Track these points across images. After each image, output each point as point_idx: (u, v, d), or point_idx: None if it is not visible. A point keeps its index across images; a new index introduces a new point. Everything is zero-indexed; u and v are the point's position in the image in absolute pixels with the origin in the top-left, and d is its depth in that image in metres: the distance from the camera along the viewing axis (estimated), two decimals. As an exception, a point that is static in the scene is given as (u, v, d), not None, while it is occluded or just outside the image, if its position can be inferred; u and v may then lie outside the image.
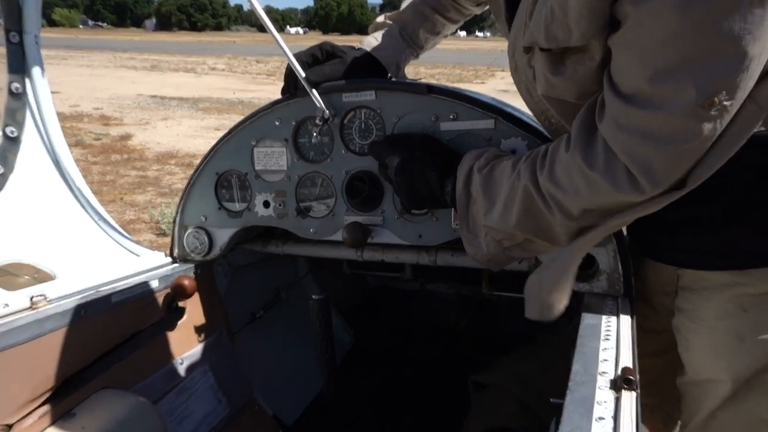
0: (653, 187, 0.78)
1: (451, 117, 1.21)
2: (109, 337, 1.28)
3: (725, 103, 0.70)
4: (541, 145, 0.95)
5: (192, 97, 14.50)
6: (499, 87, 14.90)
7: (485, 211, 1.01)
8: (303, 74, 1.24)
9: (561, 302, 0.95)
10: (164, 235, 4.89)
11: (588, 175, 0.82)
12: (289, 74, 1.30)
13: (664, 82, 0.71)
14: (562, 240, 0.95)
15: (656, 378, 1.20)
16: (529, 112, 1.31)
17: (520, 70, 0.99)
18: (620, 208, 0.84)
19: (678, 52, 0.69)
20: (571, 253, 0.94)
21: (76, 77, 17.41)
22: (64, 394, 1.16)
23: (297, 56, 1.26)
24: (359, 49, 1.37)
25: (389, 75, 1.39)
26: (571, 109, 0.89)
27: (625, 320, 1.00)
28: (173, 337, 1.45)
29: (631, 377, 0.75)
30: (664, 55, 0.70)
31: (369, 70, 1.34)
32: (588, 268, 1.16)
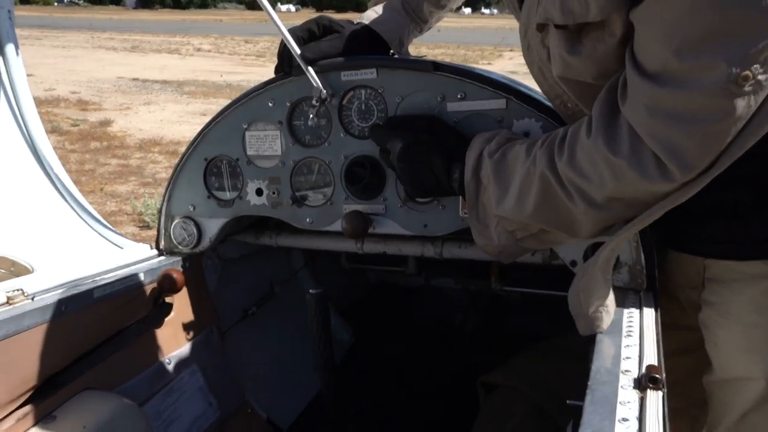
0: (683, 173, 0.77)
1: (459, 97, 1.21)
2: (91, 335, 1.28)
3: (760, 77, 0.69)
4: (558, 128, 0.94)
5: (176, 80, 14.44)
6: (507, 68, 14.84)
7: (497, 200, 1.00)
8: (298, 51, 1.23)
9: (605, 312, 0.95)
10: (148, 227, 4.88)
11: (612, 162, 0.81)
12: (283, 51, 1.29)
13: (691, 58, 0.70)
14: (583, 230, 0.94)
15: (681, 378, 1.20)
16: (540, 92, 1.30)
17: (533, 49, 0.98)
18: (649, 198, 0.83)
19: (706, 23, 0.68)
20: (600, 259, 0.94)
21: (51, 59, 17.33)
22: (44, 396, 1.16)
23: (291, 32, 1.25)
24: (358, 23, 1.36)
25: (391, 52, 1.38)
26: (590, 91, 0.88)
27: (649, 315, 1.00)
28: (160, 334, 1.45)
29: (656, 375, 0.74)
30: (691, 27, 0.69)
31: (369, 46, 1.33)
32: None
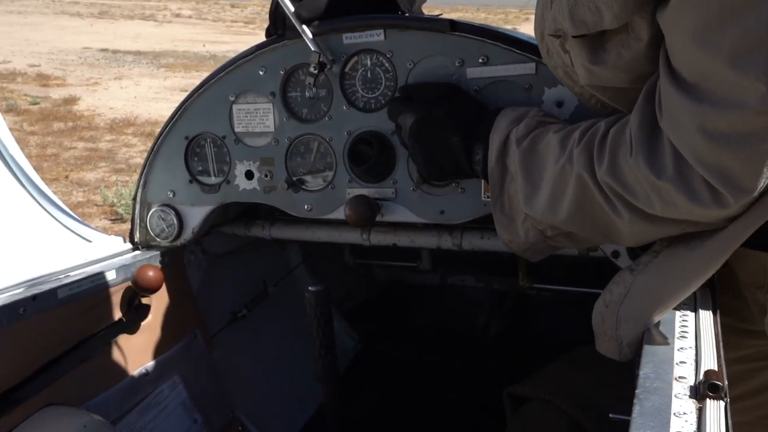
0: (735, 197, 0.75)
1: (481, 61, 1.19)
2: (55, 342, 1.28)
3: None
4: (600, 120, 0.93)
5: (152, 50, 14.49)
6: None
7: (526, 196, 1.00)
8: (292, 9, 1.22)
9: (634, 351, 0.95)
10: (122, 220, 4.92)
11: (657, 185, 0.79)
12: (275, 10, 1.28)
13: (729, 69, 0.68)
14: (626, 240, 0.94)
15: (750, 389, 1.19)
16: None
17: (553, 54, 0.97)
18: (708, 220, 0.82)
19: (745, 27, 0.66)
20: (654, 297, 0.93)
21: (5, 27, 17.42)
22: (1, 412, 1.16)
23: None
24: None
25: (400, 10, 1.37)
26: (624, 95, 0.88)
27: (706, 314, 0.99)
28: (135, 341, 1.45)
29: (717, 382, 0.73)
30: (729, 33, 0.67)
31: (375, 3, 1.32)
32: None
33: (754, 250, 1.09)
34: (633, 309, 0.97)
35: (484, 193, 1.24)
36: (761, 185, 0.75)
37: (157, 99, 9.66)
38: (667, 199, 0.80)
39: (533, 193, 0.99)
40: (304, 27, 1.24)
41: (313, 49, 1.25)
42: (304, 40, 1.25)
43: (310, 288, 1.39)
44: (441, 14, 1.48)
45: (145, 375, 1.46)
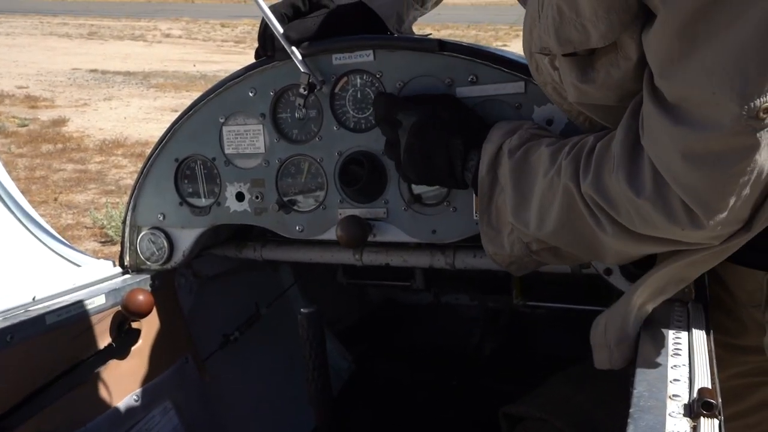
0: (707, 217, 0.76)
1: (470, 80, 1.20)
2: (43, 369, 1.27)
3: None
4: (589, 135, 0.94)
5: (141, 71, 14.51)
6: (525, 49, 14.85)
7: (514, 207, 1.00)
8: (281, 30, 1.23)
9: (626, 353, 0.98)
10: (112, 243, 4.89)
11: (636, 203, 0.80)
12: (264, 32, 1.29)
13: (705, 90, 0.69)
14: (609, 257, 0.95)
15: (745, 407, 1.19)
16: None
17: (543, 71, 0.98)
18: (687, 240, 0.83)
19: (719, 48, 0.67)
20: (630, 303, 0.95)
21: (-6, 49, 17.42)
22: (-11, 441, 1.15)
23: (273, 9, 1.25)
24: None
25: (389, 30, 1.38)
26: (614, 113, 0.88)
27: (699, 330, 0.99)
28: (125, 367, 1.44)
29: (711, 400, 0.74)
30: (704, 55, 0.68)
31: (363, 23, 1.33)
32: (648, 266, 1.15)
33: (753, 268, 1.10)
34: (618, 307, 0.99)
35: (476, 212, 1.24)
36: (730, 206, 0.75)
37: (147, 119, 9.66)
38: (646, 217, 0.81)
39: (522, 204, 0.99)
40: (294, 48, 1.25)
41: (302, 70, 1.26)
42: (293, 61, 1.26)
43: (302, 310, 1.38)
44: (430, 33, 1.49)
45: (136, 401, 1.45)
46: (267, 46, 1.31)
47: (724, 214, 0.76)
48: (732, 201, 0.75)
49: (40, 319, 1.26)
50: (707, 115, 0.70)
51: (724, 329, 1.15)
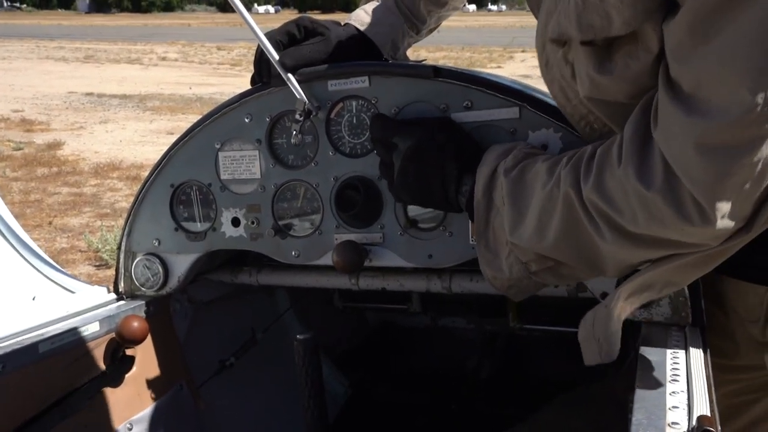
0: (715, 212, 0.76)
1: (465, 105, 1.21)
2: (36, 398, 1.26)
3: None
4: (586, 145, 0.95)
5: (137, 94, 14.57)
6: (519, 71, 15.01)
7: (512, 225, 1.00)
8: (277, 57, 1.24)
9: (614, 346, 0.97)
10: (107, 266, 4.87)
11: (645, 197, 0.80)
12: (260, 58, 1.30)
13: (719, 78, 0.70)
14: (609, 268, 0.95)
15: (742, 427, 1.19)
16: None
17: (552, 66, 0.98)
18: (687, 241, 0.83)
19: (734, 35, 0.67)
20: (616, 298, 0.94)
21: (-9, 73, 17.50)
22: (-19, 473, 1.14)
23: (269, 36, 1.26)
24: (346, 24, 1.37)
25: (384, 57, 1.39)
26: (622, 111, 0.89)
27: (697, 355, 0.99)
28: (119, 395, 1.42)
29: (711, 429, 0.73)
30: (719, 42, 0.69)
31: (359, 50, 1.34)
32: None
33: (754, 283, 1.11)
34: (605, 303, 0.99)
35: (471, 237, 1.24)
36: (737, 198, 0.76)
37: (143, 142, 9.67)
38: (654, 212, 0.80)
39: (519, 221, 0.99)
40: (289, 75, 1.25)
41: (298, 96, 1.27)
42: (289, 87, 1.26)
43: (297, 336, 1.38)
44: (425, 59, 1.51)
45: (130, 429, 1.43)
46: (263, 72, 1.31)
47: (730, 207, 0.76)
48: (738, 193, 0.75)
49: (33, 347, 1.24)
50: (721, 104, 0.71)
51: (717, 350, 1.14)
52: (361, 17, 1.38)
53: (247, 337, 1.82)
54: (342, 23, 1.38)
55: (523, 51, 22.20)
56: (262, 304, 1.97)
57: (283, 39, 1.28)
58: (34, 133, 10.30)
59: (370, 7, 1.41)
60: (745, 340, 1.17)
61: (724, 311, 1.19)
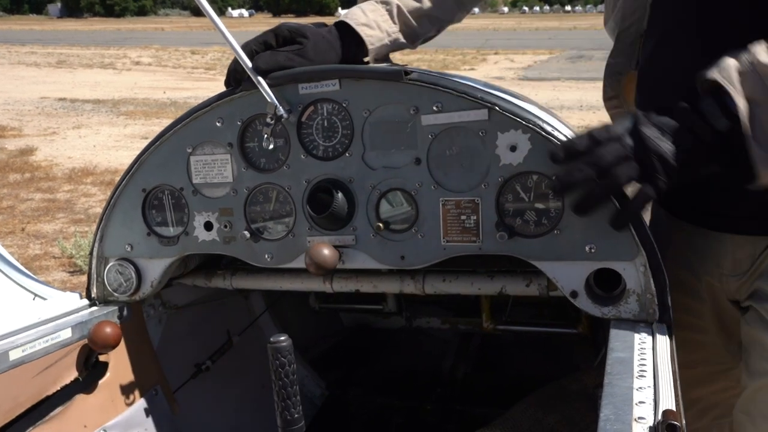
0: None
1: (435, 108, 1.22)
2: (7, 407, 1.23)
3: None
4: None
5: (111, 98, 14.39)
6: (492, 74, 15.08)
7: None
8: (246, 60, 1.24)
9: None
10: (81, 272, 4.80)
11: None
12: (234, 64, 1.29)
13: None
14: None
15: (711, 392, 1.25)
16: (531, 99, 1.31)
17: None
18: None
19: None
20: None
21: (-40, 79, 17.17)
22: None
23: (245, 46, 1.26)
24: (339, 23, 1.35)
25: (366, 59, 1.38)
26: None
27: (663, 351, 1.01)
28: (93, 401, 1.40)
29: (675, 422, 0.75)
30: None
31: (342, 55, 1.32)
32: (613, 288, 1.16)
33: (752, 235, 1.15)
34: None
35: (443, 238, 1.25)
36: None
37: (117, 147, 9.55)
38: None
39: None
40: (260, 78, 1.25)
41: (269, 99, 1.26)
42: (260, 91, 1.26)
43: (271, 339, 1.37)
44: (404, 64, 1.50)
45: (104, 436, 1.42)
46: (234, 76, 1.31)
47: None
48: None
49: (3, 355, 1.22)
50: None
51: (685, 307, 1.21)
52: (357, 16, 1.36)
53: (223, 340, 1.81)
54: (337, 18, 1.37)
55: (496, 53, 22.39)
56: (238, 307, 1.95)
57: (259, 48, 1.27)
58: (6, 139, 10.12)
59: (368, 7, 1.39)
60: (706, 292, 1.24)
61: (698, 259, 1.25)
